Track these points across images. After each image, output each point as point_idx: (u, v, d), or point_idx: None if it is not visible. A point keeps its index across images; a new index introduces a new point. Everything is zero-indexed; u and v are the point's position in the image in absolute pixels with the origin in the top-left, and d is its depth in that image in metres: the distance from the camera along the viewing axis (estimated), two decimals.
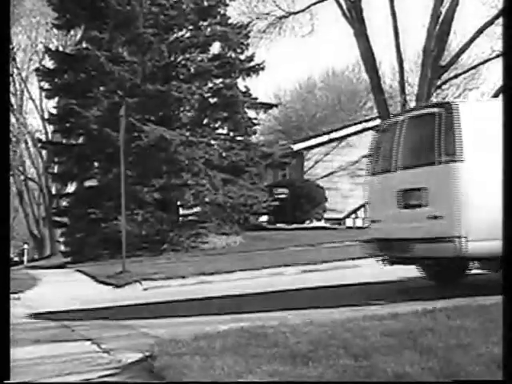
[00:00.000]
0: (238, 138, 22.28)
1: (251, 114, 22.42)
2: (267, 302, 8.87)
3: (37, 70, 24.92)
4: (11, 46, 38.12)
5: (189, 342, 5.04)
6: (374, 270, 10.07)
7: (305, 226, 24.27)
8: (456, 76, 29.24)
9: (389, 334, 4.89)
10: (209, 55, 22.04)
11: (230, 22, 22.42)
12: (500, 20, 22.40)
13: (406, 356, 4.21)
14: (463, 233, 7.25)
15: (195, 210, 21.47)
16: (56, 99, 26.61)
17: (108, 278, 13.29)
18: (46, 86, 23.09)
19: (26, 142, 41.45)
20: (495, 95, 24.14)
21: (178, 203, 21.01)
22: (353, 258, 13.03)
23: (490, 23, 23.34)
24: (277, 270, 12.76)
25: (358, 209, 26.79)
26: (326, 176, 27.06)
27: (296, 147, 27.07)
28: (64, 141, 23.99)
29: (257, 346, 4.77)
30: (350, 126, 29.53)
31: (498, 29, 23.06)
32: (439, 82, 25.17)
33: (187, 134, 20.74)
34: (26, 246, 45.07)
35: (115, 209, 17.58)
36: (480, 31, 23.75)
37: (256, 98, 22.11)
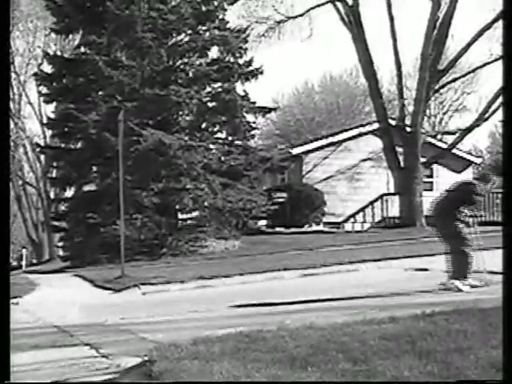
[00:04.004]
0: (237, 143, 22.27)
1: (250, 118, 22.42)
2: None
3: (35, 74, 24.87)
4: (10, 51, 38.18)
5: (188, 347, 5.03)
6: (371, 274, 10.07)
7: (304, 229, 24.27)
8: (454, 80, 29.27)
9: (387, 338, 4.89)
10: (207, 59, 22.04)
11: (228, 26, 22.44)
12: (498, 23, 22.44)
13: (404, 360, 4.20)
14: None
15: (194, 214, 21.44)
16: (54, 104, 26.58)
17: (107, 282, 13.26)
18: (45, 90, 23.03)
19: (25, 147, 41.48)
20: (493, 99, 24.20)
21: (177, 207, 20.98)
22: (351, 262, 13.04)
23: (488, 27, 23.34)
24: (276, 274, 12.74)
25: (357, 213, 26.85)
26: (324, 180, 27.07)
27: (294, 151, 27.07)
28: (62, 145, 23.96)
29: (256, 351, 4.76)
30: (348, 130, 29.55)
31: (496, 32, 23.09)
32: (437, 86, 25.18)
33: (186, 138, 20.72)
34: (24, 251, 45.06)
35: (114, 213, 17.57)
36: (478, 35, 23.75)
37: (254, 102, 22.09)
